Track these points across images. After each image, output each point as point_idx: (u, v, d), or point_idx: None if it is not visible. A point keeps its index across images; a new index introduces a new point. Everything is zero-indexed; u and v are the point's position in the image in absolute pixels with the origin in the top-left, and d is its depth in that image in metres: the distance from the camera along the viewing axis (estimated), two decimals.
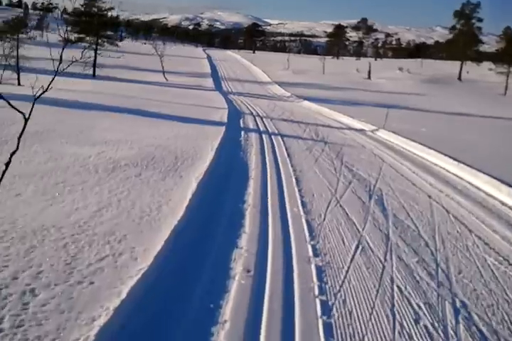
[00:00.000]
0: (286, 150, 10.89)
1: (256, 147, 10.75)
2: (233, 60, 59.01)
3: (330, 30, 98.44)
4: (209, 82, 33.42)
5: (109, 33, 35.90)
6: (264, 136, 12.64)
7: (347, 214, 6.39)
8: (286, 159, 9.82)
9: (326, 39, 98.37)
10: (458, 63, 49.10)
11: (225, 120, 14.38)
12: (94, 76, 32.43)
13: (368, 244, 5.34)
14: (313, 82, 37.51)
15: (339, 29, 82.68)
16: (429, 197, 7.79)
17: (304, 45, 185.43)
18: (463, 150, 11.50)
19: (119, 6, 29.81)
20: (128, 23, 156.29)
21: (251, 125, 14.70)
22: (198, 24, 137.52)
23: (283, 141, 12.08)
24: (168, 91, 24.37)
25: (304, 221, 5.87)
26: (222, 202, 6.45)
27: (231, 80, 37.46)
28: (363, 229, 5.82)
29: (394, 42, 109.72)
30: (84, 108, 13.75)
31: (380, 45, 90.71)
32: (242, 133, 12.65)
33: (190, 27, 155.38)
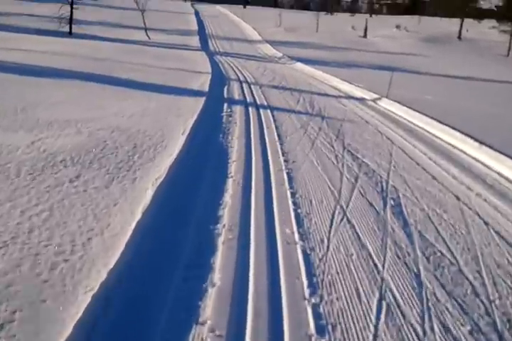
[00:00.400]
0: (277, 129, 9.04)
1: (240, 127, 8.86)
2: (222, 16, 55.65)
3: None
4: (195, 41, 30.87)
5: None
6: (251, 109, 10.73)
7: (358, 236, 4.68)
8: (277, 143, 7.99)
9: None
10: (455, 21, 46.34)
11: (207, 88, 12.39)
12: (70, 34, 29.74)
13: (394, 299, 3.64)
14: (306, 40, 35.02)
15: None
16: (458, 199, 6.09)
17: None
18: (486, 129, 9.75)
19: None
20: None
21: (236, 95, 12.71)
22: None
23: (273, 116, 10.19)
24: (148, 51, 22.04)
25: (300, 256, 4.13)
26: (185, 224, 4.64)
27: (219, 38, 34.78)
28: (383, 267, 4.13)
29: None
30: (40, 74, 11.66)
31: (374, 0, 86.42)
32: (225, 106, 10.71)
33: None
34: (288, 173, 6.45)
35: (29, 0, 44.56)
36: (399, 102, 12.76)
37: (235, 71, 18.47)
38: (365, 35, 39.47)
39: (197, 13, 55.40)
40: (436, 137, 9.52)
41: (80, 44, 22.46)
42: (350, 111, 11.89)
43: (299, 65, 22.40)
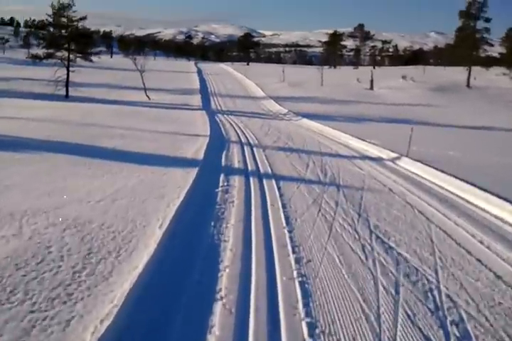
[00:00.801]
0: (284, 207, 7.29)
1: (238, 208, 7.09)
2: (225, 74, 55.70)
3: (325, 39, 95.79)
4: (196, 100, 29.98)
5: (91, 48, 32.57)
6: (252, 180, 9.03)
7: None
8: (284, 230, 6.21)
9: (322, 48, 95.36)
10: (460, 69, 45.70)
11: (202, 156, 10.79)
12: (67, 97, 29.01)
13: None
14: (311, 95, 34.09)
15: (335, 36, 79.47)
16: None
17: (299, 55, 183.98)
18: None
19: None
20: (121, 39, 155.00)
21: (236, 161, 11.06)
22: (190, 36, 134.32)
23: (279, 188, 8.47)
24: (145, 113, 20.87)
25: None
26: None
27: (221, 96, 34.00)
28: None
29: (391, 50, 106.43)
30: (8, 148, 10.10)
31: (377, 53, 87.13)
32: (221, 177, 9.02)
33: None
34: (301, 284, 4.63)
35: (30, 64, 44.77)
36: (421, 162, 11.11)
37: (236, 131, 17.07)
38: (371, 88, 38.60)
39: (200, 72, 55.62)
40: (483, 210, 7.70)
41: (73, 107, 21.42)
42: (369, 175, 10.18)
43: (306, 121, 21.07)
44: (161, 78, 44.26)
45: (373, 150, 13.60)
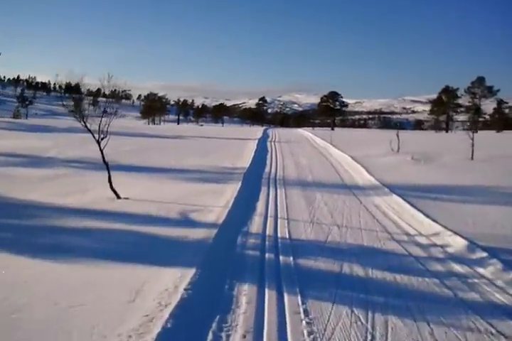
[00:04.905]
0: None
1: None
2: (301, 141, 39.00)
3: (409, 106, 78.77)
4: (228, 195, 13.18)
5: None
6: None
7: None
8: None
9: (409, 115, 78.13)
10: None
11: None
12: None
13: None
14: (469, 181, 16.29)
15: (447, 93, 61.55)
16: None
17: (383, 121, 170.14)
18: None
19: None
20: (197, 107, 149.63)
21: None
22: (269, 104, 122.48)
23: None
24: None
25: None
26: None
27: (289, 184, 16.76)
28: None
29: None
30: None
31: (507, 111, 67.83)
32: None
33: (269, 110, 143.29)
34: None
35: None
36: None
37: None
38: None
39: (264, 139, 39.48)
40: None
41: None
42: None
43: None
44: (198, 148, 28.57)
45: None
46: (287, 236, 9.64)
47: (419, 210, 11.88)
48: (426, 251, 8.75)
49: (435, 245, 9.15)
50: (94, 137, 12.47)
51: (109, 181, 12.79)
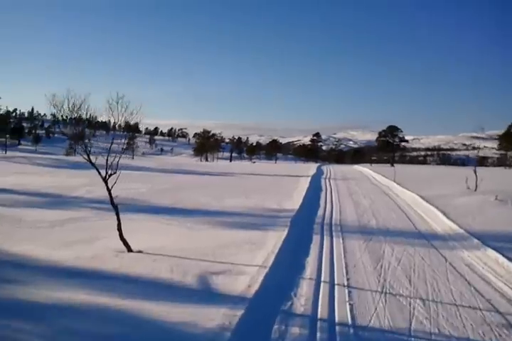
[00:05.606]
0: None
1: None
2: (360, 178, 35.30)
3: (469, 142, 73.70)
4: (268, 248, 10.24)
5: None
6: None
7: None
8: None
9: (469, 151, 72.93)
10: None
11: None
12: None
13: None
14: None
15: None
16: None
17: (443, 158, 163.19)
18: None
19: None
20: (259, 146, 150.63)
21: None
22: (318, 136, 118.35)
23: None
24: None
25: None
26: None
27: (348, 232, 13.39)
28: None
29: None
30: None
31: None
32: None
33: (324, 147, 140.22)
34: None
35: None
36: None
37: None
38: None
39: (318, 176, 36.20)
40: None
41: None
42: None
43: None
44: (243, 186, 25.78)
45: None
46: (349, 320, 6.46)
47: None
48: None
49: None
50: (99, 174, 9.88)
51: (119, 229, 10.10)
